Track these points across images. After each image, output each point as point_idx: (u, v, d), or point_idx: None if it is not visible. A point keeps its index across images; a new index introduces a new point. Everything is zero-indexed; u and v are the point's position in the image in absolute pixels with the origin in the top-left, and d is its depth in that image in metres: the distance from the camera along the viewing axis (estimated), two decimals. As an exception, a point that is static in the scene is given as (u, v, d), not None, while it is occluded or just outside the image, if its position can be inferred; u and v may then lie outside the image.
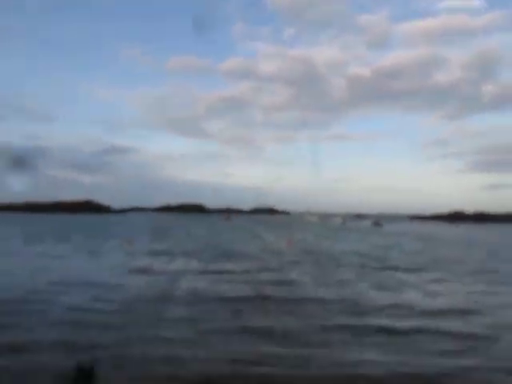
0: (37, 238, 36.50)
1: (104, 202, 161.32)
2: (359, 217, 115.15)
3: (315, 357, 8.07)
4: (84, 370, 5.92)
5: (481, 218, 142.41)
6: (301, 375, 7.25)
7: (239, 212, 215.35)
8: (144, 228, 61.40)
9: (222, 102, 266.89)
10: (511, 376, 7.29)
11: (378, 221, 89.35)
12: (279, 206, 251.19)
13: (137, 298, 13.19)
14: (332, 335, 9.58)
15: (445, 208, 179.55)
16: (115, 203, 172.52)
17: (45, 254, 25.03)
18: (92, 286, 15.21)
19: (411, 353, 8.40)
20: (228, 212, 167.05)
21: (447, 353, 8.45)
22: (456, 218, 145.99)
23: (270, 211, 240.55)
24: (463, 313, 12.09)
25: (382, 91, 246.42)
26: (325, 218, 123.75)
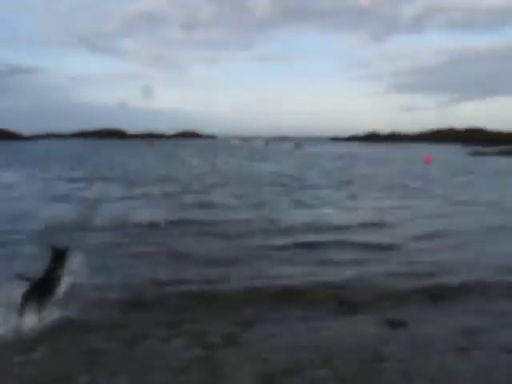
0: None
1: (13, 128, 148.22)
2: (282, 139, 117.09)
3: (235, 273, 8.34)
4: (59, 251, 5.96)
5: (394, 138, 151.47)
6: (220, 290, 7.50)
7: (162, 137, 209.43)
8: (60, 155, 57.87)
9: (138, 17, 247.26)
10: (409, 280, 8.04)
11: (300, 143, 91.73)
12: (203, 130, 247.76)
13: (54, 227, 12.53)
14: (252, 253, 9.90)
15: (362, 129, 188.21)
16: (26, 130, 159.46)
17: None
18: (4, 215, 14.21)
19: (323, 264, 8.98)
20: (150, 137, 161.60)
21: (356, 262, 9.14)
22: (372, 138, 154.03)
23: (195, 135, 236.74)
24: (374, 226, 12.89)
25: (305, 10, 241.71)
26: (248, 140, 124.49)
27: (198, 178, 27.83)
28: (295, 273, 8.37)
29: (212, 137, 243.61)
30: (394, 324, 5.96)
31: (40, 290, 5.63)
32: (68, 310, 5.97)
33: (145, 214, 14.21)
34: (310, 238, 11.30)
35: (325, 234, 11.79)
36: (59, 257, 5.93)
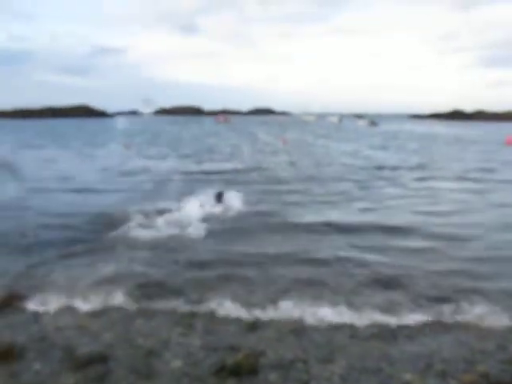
0: (35, 144, 36.99)
1: (99, 106, 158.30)
2: (357, 116, 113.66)
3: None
4: (220, 193, 12.86)
5: (480, 116, 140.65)
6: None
7: (237, 113, 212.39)
8: (141, 132, 61.37)
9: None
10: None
11: (374, 120, 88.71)
12: (277, 107, 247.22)
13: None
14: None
15: (446, 106, 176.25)
16: (110, 107, 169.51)
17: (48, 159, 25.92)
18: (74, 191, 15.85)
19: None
20: (225, 114, 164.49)
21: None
22: (455, 116, 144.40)
23: (269, 112, 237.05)
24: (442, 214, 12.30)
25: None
26: (322, 117, 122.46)
27: (269, 154, 28.59)
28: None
29: (286, 113, 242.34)
30: None
31: (218, 198, 12.65)
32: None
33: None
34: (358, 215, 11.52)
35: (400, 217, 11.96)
36: (220, 193, 12.88)
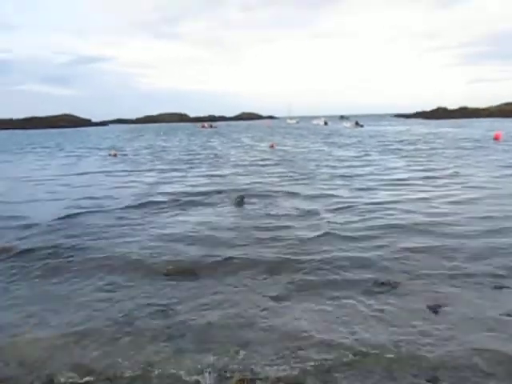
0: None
1: (83, 115, 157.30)
2: (342, 118, 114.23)
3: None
4: (241, 197, 13.89)
5: (464, 113, 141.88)
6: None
7: (223, 119, 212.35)
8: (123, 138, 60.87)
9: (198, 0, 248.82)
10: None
11: (358, 121, 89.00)
12: (263, 111, 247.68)
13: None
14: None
15: (429, 105, 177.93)
16: (94, 116, 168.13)
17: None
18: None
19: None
20: (211, 120, 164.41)
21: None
22: (439, 114, 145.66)
23: (255, 117, 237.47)
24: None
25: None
26: (308, 120, 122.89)
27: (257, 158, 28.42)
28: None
29: (271, 117, 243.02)
30: None
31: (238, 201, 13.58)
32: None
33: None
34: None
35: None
36: (241, 196, 13.85)
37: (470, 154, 27.02)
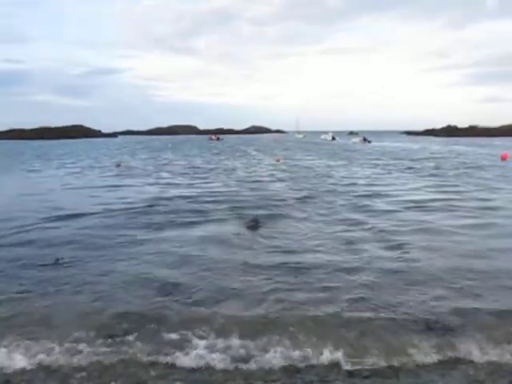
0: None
1: (95, 126, 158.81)
2: (352, 134, 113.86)
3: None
4: (255, 220, 12.47)
5: (474, 132, 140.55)
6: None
7: (232, 132, 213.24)
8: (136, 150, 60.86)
9: (210, 15, 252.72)
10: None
11: (366, 137, 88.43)
12: (273, 125, 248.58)
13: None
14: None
15: (440, 123, 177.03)
16: (104, 128, 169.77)
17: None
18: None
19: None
20: (220, 133, 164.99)
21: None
22: (449, 132, 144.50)
23: (264, 131, 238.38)
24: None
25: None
26: (316, 135, 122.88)
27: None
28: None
29: (281, 131, 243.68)
30: None
31: (252, 226, 12.08)
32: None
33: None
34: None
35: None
36: (255, 219, 12.47)
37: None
